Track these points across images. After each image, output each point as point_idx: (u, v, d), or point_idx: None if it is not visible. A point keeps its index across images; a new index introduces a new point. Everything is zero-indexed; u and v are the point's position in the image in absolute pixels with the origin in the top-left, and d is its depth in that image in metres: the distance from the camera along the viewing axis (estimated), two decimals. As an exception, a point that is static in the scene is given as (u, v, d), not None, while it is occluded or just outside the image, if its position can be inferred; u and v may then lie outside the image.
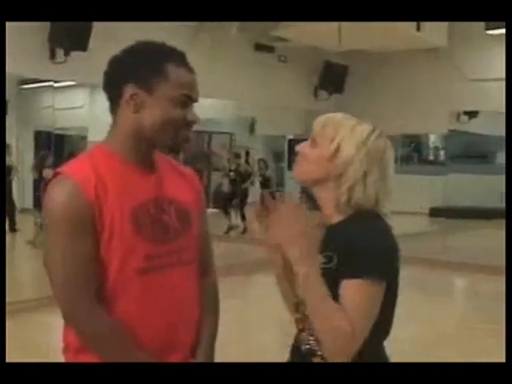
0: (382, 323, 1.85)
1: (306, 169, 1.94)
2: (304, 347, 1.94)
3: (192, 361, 2.00)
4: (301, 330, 1.96)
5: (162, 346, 1.93)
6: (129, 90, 1.86)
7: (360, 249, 1.79)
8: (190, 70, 1.93)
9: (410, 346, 6.17)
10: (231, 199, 14.42)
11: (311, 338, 1.90)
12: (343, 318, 1.73)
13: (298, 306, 1.95)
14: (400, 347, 6.34)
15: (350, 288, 1.77)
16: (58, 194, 1.81)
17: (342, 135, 1.89)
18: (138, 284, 1.87)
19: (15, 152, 13.89)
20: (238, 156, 14.76)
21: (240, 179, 14.35)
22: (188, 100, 1.90)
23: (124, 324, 1.86)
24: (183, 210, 2.00)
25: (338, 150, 1.88)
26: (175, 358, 1.96)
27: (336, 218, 1.92)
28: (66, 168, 1.88)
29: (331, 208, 1.92)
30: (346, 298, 1.76)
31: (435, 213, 16.52)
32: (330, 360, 1.80)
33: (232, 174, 14.46)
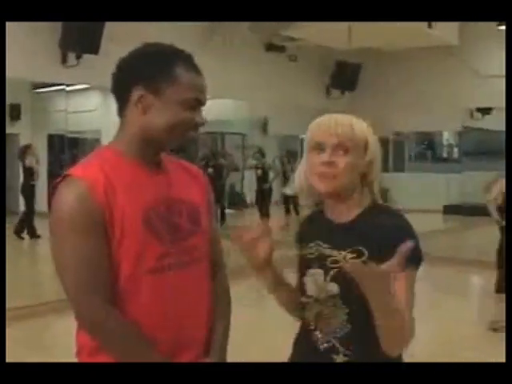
0: None
1: (344, 180, 1.87)
2: (322, 346, 1.92)
3: (205, 359, 1.99)
4: (312, 330, 1.95)
5: (174, 344, 1.93)
6: (137, 92, 1.87)
7: (402, 239, 1.68)
8: (199, 73, 1.93)
9: (426, 345, 6.14)
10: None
11: (331, 336, 1.90)
12: (405, 310, 1.74)
13: (311, 306, 1.94)
14: (416, 346, 6.33)
15: (400, 278, 1.72)
16: (68, 197, 1.80)
17: (369, 137, 1.92)
18: (150, 283, 1.87)
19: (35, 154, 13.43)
20: (262, 154, 14.66)
21: (264, 177, 14.34)
22: (196, 103, 1.90)
23: (137, 323, 1.86)
24: (193, 210, 2.00)
25: (368, 152, 1.91)
26: (188, 356, 1.96)
27: (350, 214, 1.92)
28: (75, 170, 1.87)
29: (350, 206, 1.92)
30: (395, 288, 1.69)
31: (449, 210, 16.44)
32: (391, 354, 1.80)
33: (259, 171, 14.43)
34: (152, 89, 1.86)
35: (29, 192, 12.71)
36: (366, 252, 1.82)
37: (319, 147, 1.88)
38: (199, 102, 1.91)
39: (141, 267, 1.86)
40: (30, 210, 12.69)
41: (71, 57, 9.66)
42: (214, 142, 17.97)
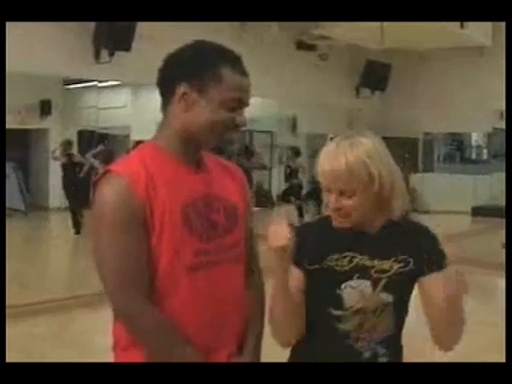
0: None
1: (356, 217, 1.88)
2: (367, 353, 1.92)
3: (238, 358, 2.00)
4: (350, 341, 1.92)
5: (208, 342, 1.94)
6: (181, 88, 1.87)
7: (437, 244, 1.95)
8: (244, 74, 1.92)
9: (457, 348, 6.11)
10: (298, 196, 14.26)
11: (373, 343, 1.92)
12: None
13: (348, 318, 1.91)
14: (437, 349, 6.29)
15: (439, 279, 1.88)
16: (109, 193, 1.82)
17: (375, 167, 1.85)
18: (187, 280, 1.88)
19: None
20: (297, 153, 14.52)
21: (293, 175, 14.26)
22: (239, 104, 1.90)
23: (173, 319, 1.88)
24: (231, 208, 2.00)
25: (373, 181, 1.85)
26: (221, 355, 1.97)
27: (372, 225, 1.93)
28: (116, 166, 1.90)
29: (373, 222, 1.93)
30: (436, 289, 1.87)
31: (478, 212, 16.30)
32: (448, 349, 1.93)
33: (288, 170, 14.37)
34: (196, 87, 1.86)
35: (72, 187, 12.46)
36: (412, 260, 1.91)
37: (326, 189, 1.89)
38: (242, 103, 1.91)
39: (179, 263, 1.87)
40: (75, 205, 12.39)
41: (104, 54, 9.74)
42: (242, 139, 17.99)
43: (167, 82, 1.91)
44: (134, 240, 1.82)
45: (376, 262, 1.90)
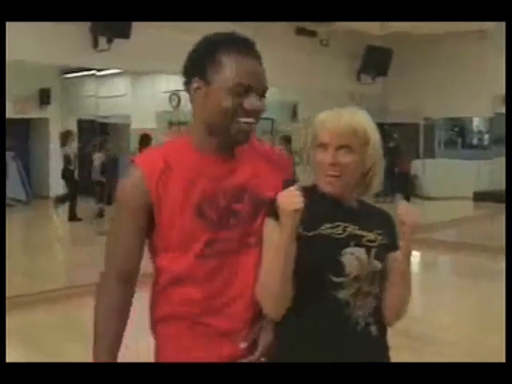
0: None
1: (348, 180, 1.97)
2: (361, 325, 1.94)
3: (248, 356, 1.98)
4: (349, 309, 1.93)
5: (215, 331, 1.97)
6: (195, 83, 1.93)
7: (395, 227, 2.07)
8: (250, 56, 1.93)
9: (456, 334, 6.12)
10: None
11: (367, 312, 1.96)
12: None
13: (347, 284, 1.93)
14: (444, 334, 6.34)
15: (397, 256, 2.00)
16: (125, 182, 1.97)
17: (372, 135, 1.98)
18: (198, 268, 1.93)
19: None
20: (289, 140, 14.38)
21: None
22: (244, 88, 1.89)
23: (184, 307, 1.96)
24: (259, 199, 2.00)
25: (372, 150, 1.98)
26: (227, 345, 1.97)
27: (353, 199, 2.04)
28: (139, 157, 2.04)
29: (352, 194, 2.03)
30: (394, 264, 2.00)
31: (479, 197, 16.29)
32: (391, 324, 2.04)
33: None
34: (204, 78, 1.91)
35: (69, 177, 12.94)
36: (385, 236, 2.03)
37: (323, 146, 1.96)
38: (248, 88, 1.89)
39: (190, 252, 1.93)
40: (72, 194, 12.88)
41: (102, 41, 9.69)
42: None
43: (186, 79, 1.98)
44: (132, 225, 1.95)
45: (365, 233, 1.99)
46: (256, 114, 1.93)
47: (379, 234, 2.01)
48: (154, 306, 2.06)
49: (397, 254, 1.98)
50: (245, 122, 1.91)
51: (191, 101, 2.00)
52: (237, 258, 1.97)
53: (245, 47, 1.93)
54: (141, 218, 1.94)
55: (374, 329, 1.97)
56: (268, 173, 2.05)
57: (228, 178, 1.97)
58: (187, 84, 1.97)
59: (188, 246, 1.93)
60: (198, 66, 1.92)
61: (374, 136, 1.98)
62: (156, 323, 2.06)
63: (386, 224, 2.06)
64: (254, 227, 1.99)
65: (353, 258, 1.94)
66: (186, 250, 1.93)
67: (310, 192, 1.98)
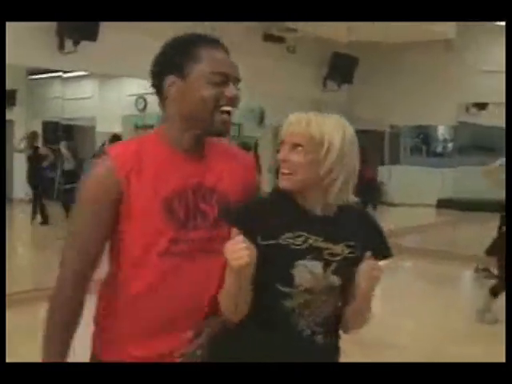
0: None
1: (299, 177, 1.93)
2: (306, 332, 1.95)
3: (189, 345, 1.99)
4: (294, 317, 1.94)
5: (161, 326, 1.97)
6: (168, 80, 1.94)
7: (382, 234, 2.07)
8: (223, 51, 1.98)
9: (417, 339, 6.17)
10: None
11: (313, 323, 1.95)
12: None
13: (296, 295, 1.92)
14: (406, 340, 6.39)
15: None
16: (94, 171, 1.94)
17: (333, 140, 1.92)
18: (158, 265, 1.92)
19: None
20: (249, 148, 14.43)
21: None
22: (222, 78, 1.93)
23: (137, 304, 1.94)
24: (225, 200, 2.01)
25: (328, 150, 1.91)
26: (170, 342, 1.97)
27: (327, 207, 1.97)
28: (111, 148, 2.01)
29: (320, 202, 1.96)
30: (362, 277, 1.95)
31: (443, 204, 16.47)
32: (349, 333, 2.05)
33: None
34: (179, 73, 1.93)
35: (37, 178, 12.86)
36: (359, 247, 1.97)
37: (281, 144, 1.97)
38: (228, 76, 1.94)
39: (152, 248, 1.92)
40: (40, 196, 12.76)
41: (68, 43, 9.60)
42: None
43: (157, 80, 1.98)
44: (95, 218, 1.91)
45: (329, 245, 1.95)
46: (236, 102, 1.96)
47: (349, 246, 1.97)
48: (101, 302, 2.07)
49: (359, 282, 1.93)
50: (226, 112, 1.94)
51: (161, 102, 2.00)
52: (197, 262, 1.96)
53: (218, 43, 1.98)
54: (107, 211, 1.91)
55: (320, 337, 1.96)
56: (233, 173, 2.06)
57: (198, 177, 1.98)
58: (158, 84, 1.98)
59: (152, 242, 1.91)
60: (173, 63, 1.94)
61: (336, 141, 1.91)
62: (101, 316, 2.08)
63: (366, 235, 2.02)
64: (219, 233, 1.98)
65: (305, 271, 1.92)
66: (148, 248, 1.92)
67: (276, 197, 1.99)
